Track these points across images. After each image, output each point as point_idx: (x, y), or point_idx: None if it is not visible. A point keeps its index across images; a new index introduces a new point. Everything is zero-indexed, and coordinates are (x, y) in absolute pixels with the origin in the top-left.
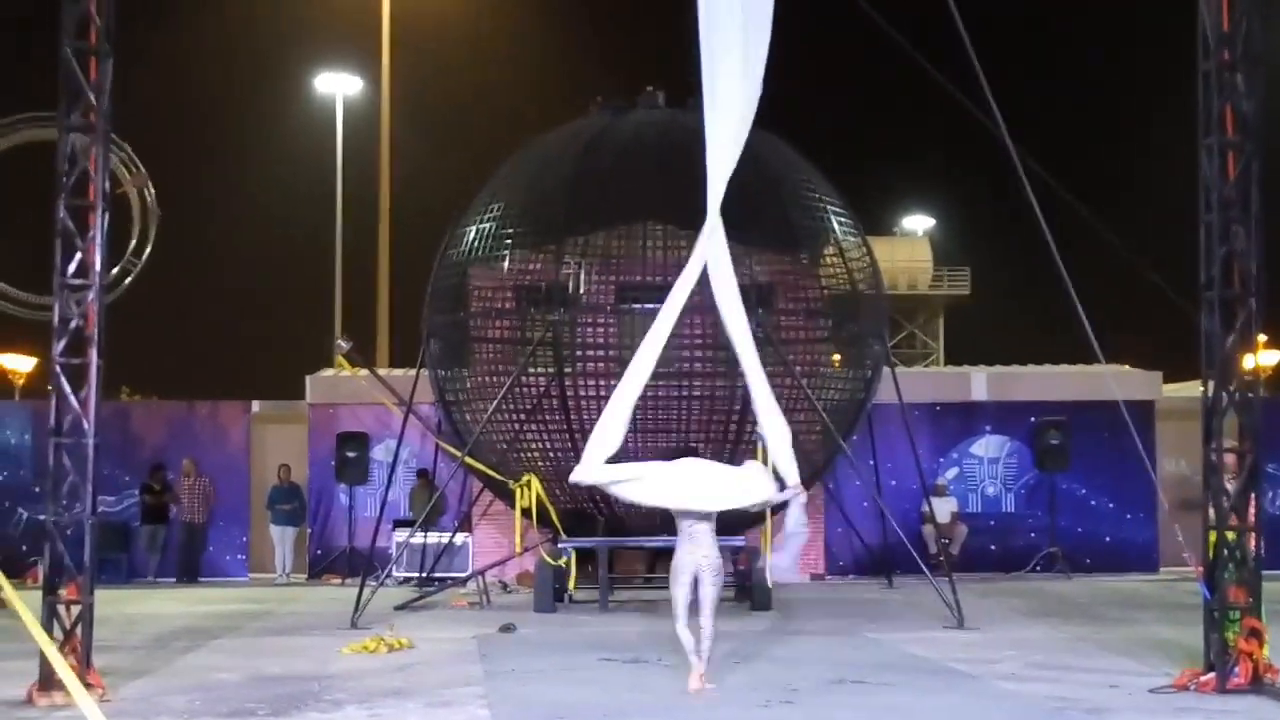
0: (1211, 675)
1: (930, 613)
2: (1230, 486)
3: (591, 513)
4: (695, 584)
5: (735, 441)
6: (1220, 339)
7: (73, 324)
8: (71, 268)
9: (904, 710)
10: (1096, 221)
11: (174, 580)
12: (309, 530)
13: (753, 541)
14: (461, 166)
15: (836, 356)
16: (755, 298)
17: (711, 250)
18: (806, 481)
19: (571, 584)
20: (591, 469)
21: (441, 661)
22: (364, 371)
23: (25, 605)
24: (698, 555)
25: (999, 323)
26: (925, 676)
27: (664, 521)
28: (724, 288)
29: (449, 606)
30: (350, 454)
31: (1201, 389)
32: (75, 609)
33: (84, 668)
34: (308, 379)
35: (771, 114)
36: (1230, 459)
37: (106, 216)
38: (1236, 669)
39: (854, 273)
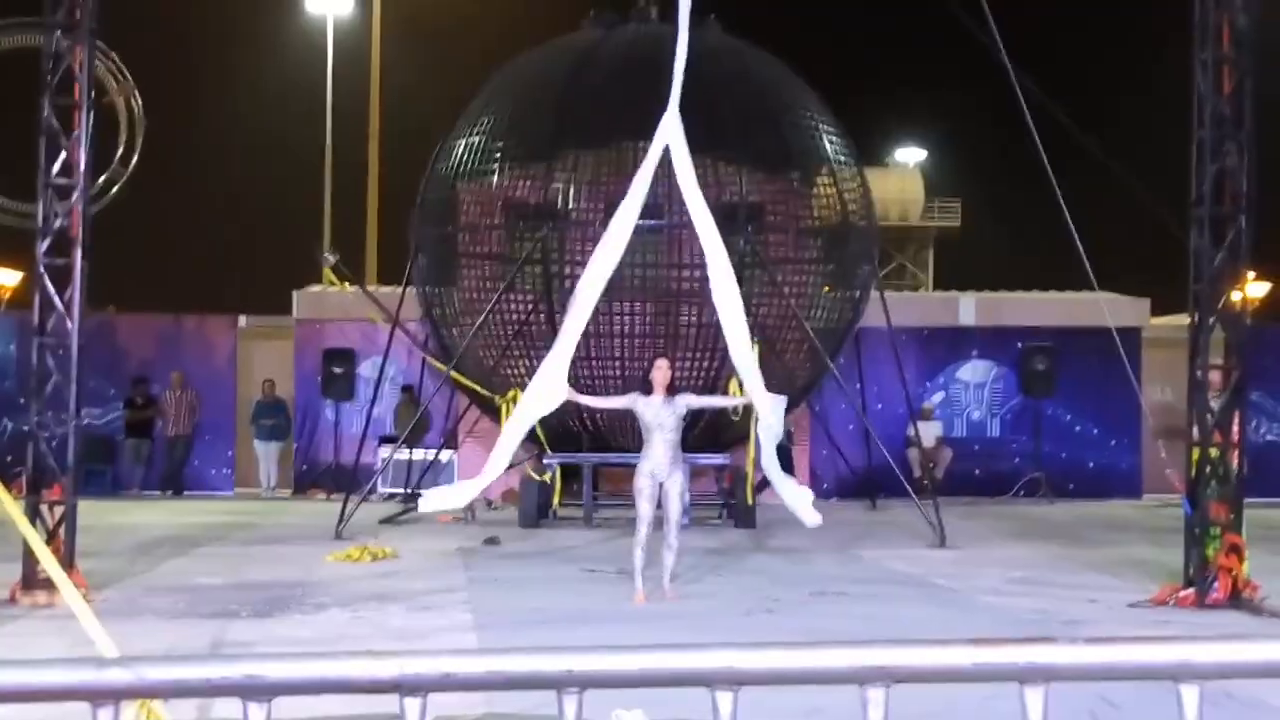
0: (1191, 590)
1: (913, 533)
2: (1215, 404)
3: (577, 430)
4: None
5: (716, 375)
6: (1209, 256)
7: (57, 224)
8: (56, 167)
9: (885, 620)
10: (1088, 140)
11: (158, 493)
12: (294, 446)
13: (737, 460)
14: (452, 83)
15: (827, 288)
16: (744, 216)
17: (671, 138)
18: (792, 401)
19: (556, 500)
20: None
21: (425, 570)
22: (351, 286)
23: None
24: (653, 465)
25: (988, 254)
26: (907, 589)
27: None
28: (685, 176)
29: (434, 522)
30: (336, 370)
31: (1189, 308)
32: (58, 510)
33: (67, 569)
34: (295, 294)
35: (769, 42)
36: (1215, 377)
37: (91, 115)
38: (1215, 584)
39: (846, 196)
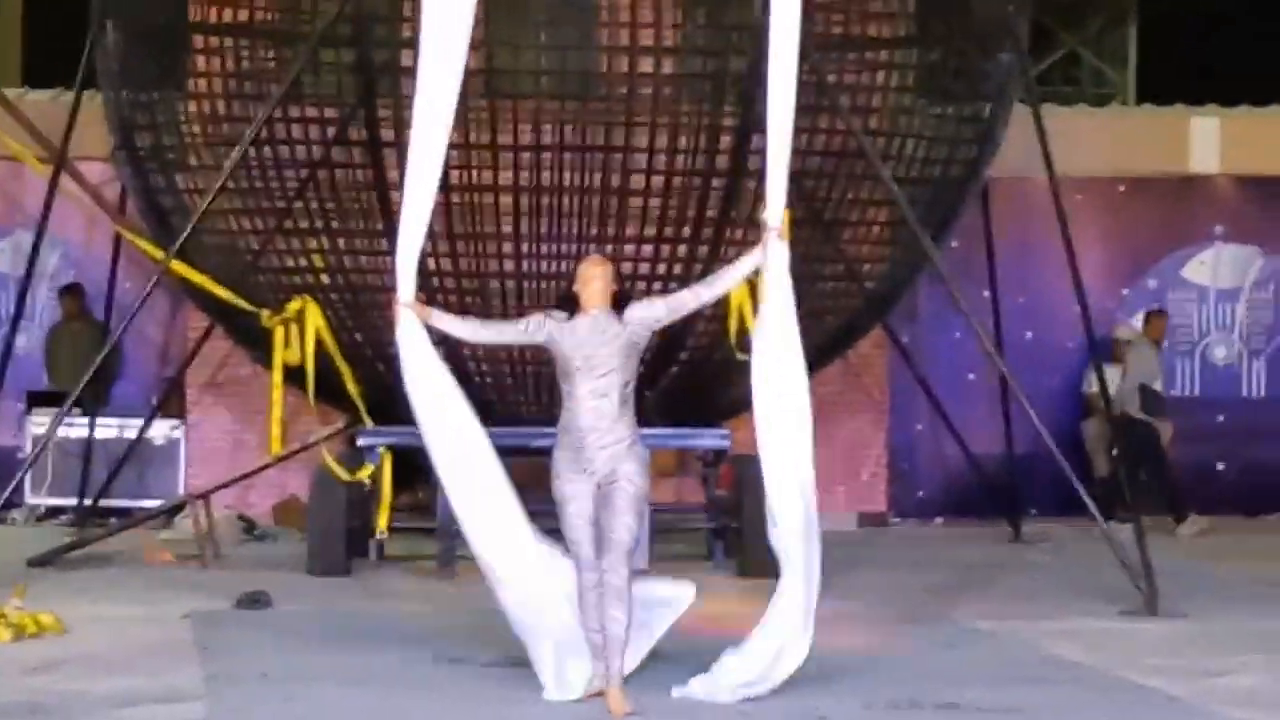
0: None
1: (1095, 585)
2: None
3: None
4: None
5: (710, 256)
6: None
7: None
8: None
9: None
10: None
11: None
12: None
13: (744, 442)
14: None
15: (925, 101)
16: None
17: None
18: (865, 320)
19: (382, 521)
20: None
21: (123, 658)
22: None
23: None
24: (581, 449)
25: (1242, 37)
26: (1080, 693)
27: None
28: None
29: (139, 562)
30: None
31: None
32: None
33: None
34: None
35: None
36: None
37: None
38: None
39: None
